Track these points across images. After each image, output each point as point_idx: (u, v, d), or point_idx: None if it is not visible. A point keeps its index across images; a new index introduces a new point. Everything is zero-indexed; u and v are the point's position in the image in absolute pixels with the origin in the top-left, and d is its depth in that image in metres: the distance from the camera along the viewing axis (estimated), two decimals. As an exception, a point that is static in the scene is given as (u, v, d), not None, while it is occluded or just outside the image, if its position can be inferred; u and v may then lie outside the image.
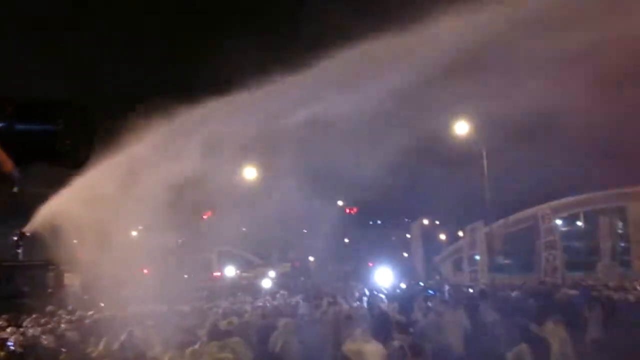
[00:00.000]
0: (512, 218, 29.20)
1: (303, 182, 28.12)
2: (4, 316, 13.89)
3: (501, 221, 28.98)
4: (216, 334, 9.23)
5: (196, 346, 8.18)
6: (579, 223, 34.31)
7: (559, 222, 29.32)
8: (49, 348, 9.20)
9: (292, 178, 28.32)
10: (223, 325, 10.16)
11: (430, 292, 18.43)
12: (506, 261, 30.78)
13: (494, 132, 23.69)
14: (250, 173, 28.77)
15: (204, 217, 26.79)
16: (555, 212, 27.87)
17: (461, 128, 25.34)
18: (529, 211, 28.61)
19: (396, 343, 9.49)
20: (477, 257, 26.88)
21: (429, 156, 23.45)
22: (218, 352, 7.80)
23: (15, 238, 25.37)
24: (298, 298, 17.97)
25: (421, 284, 22.74)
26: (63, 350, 9.05)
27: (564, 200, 28.23)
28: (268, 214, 32.64)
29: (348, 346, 8.82)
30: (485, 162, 25.75)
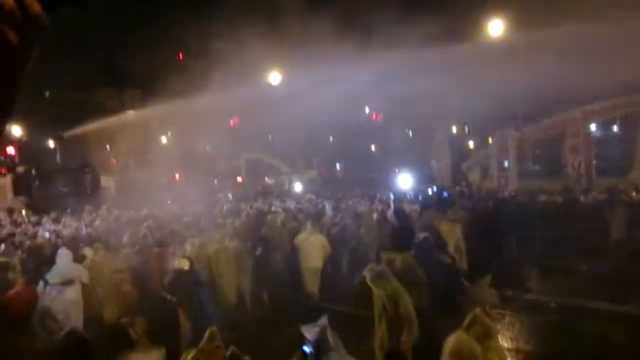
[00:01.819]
0: (544, 123, 28.58)
1: (330, 87, 27.84)
2: (49, 214, 14.69)
3: (533, 126, 28.42)
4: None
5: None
6: (615, 129, 33.40)
7: (593, 127, 28.59)
8: (85, 239, 9.86)
9: (318, 83, 28.05)
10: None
11: (445, 194, 18.86)
12: (536, 167, 30.55)
13: (530, 32, 22.77)
14: (275, 78, 28.45)
15: (231, 123, 26.98)
16: (588, 116, 27.09)
17: (496, 28, 24.37)
18: (561, 116, 27.94)
19: (420, 236, 10.02)
20: (506, 164, 26.65)
21: (461, 59, 22.79)
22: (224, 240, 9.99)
23: (53, 143, 26.20)
24: (324, 201, 18.40)
25: (435, 188, 22.87)
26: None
27: (596, 105, 27.28)
28: (294, 121, 32.74)
29: (298, 237, 10.62)
30: (519, 64, 24.82)
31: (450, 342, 5.11)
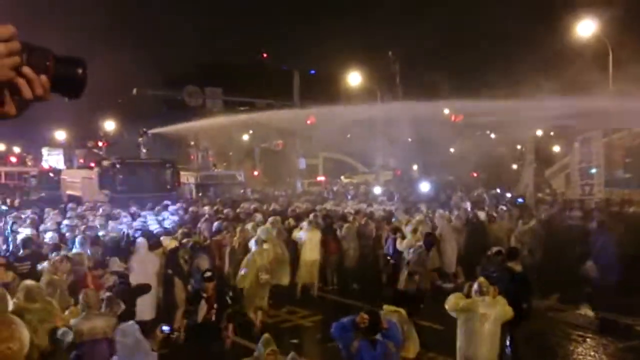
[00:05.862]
0: (636, 130, 26.66)
1: (409, 88, 27.58)
2: (129, 208, 15.39)
3: (624, 131, 26.59)
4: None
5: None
6: None
7: None
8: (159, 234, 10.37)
9: (398, 84, 27.81)
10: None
11: (520, 200, 18.27)
12: (626, 175, 28.56)
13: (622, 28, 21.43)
14: (354, 79, 28.37)
15: (308, 122, 27.11)
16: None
17: (585, 28, 23.09)
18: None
19: (493, 250, 9.83)
20: (593, 171, 25.13)
21: (547, 60, 21.84)
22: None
23: (140, 138, 27.50)
24: (397, 205, 18.15)
25: (509, 194, 22.02)
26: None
27: None
28: (372, 121, 32.52)
29: (294, 233, 11.84)
30: (610, 61, 23.27)
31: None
